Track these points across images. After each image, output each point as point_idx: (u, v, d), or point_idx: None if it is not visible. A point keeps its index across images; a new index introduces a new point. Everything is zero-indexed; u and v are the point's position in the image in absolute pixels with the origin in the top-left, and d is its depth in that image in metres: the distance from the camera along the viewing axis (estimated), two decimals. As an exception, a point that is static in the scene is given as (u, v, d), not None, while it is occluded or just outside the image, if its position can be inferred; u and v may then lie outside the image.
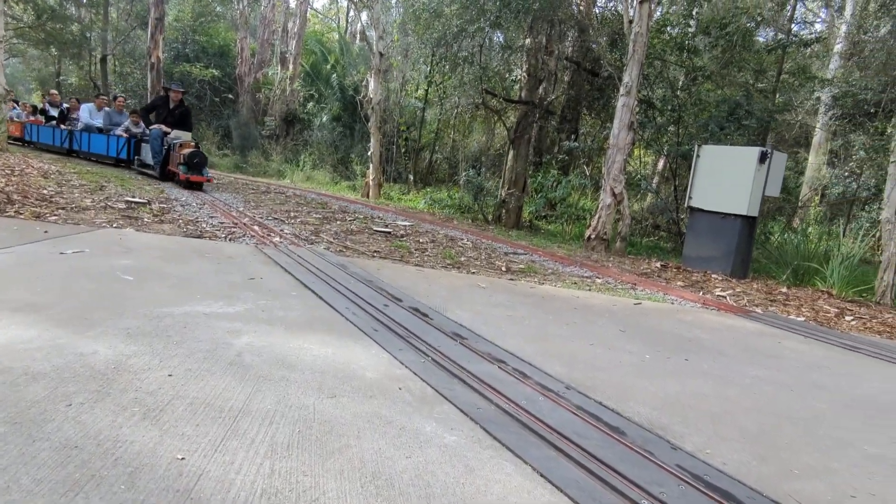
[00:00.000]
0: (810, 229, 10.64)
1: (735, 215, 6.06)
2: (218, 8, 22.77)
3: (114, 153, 10.40)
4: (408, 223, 7.51)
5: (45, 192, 5.75)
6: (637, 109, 7.27)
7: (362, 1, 11.45)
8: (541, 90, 9.75)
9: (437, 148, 15.02)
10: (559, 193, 8.29)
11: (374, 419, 1.78)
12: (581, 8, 9.45)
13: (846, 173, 10.05)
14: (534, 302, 3.74)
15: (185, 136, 9.04)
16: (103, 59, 21.47)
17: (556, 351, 2.74)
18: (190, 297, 2.74)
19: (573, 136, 10.09)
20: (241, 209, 6.81)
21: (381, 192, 11.62)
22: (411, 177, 13.95)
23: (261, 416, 1.68)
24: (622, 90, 6.86)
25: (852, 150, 9.91)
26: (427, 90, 13.28)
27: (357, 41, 21.59)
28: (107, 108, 11.23)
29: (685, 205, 6.65)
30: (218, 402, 1.73)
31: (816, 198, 11.05)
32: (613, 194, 7.01)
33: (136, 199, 6.14)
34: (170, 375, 1.86)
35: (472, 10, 9.08)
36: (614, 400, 2.23)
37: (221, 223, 5.41)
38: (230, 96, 18.96)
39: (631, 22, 7.28)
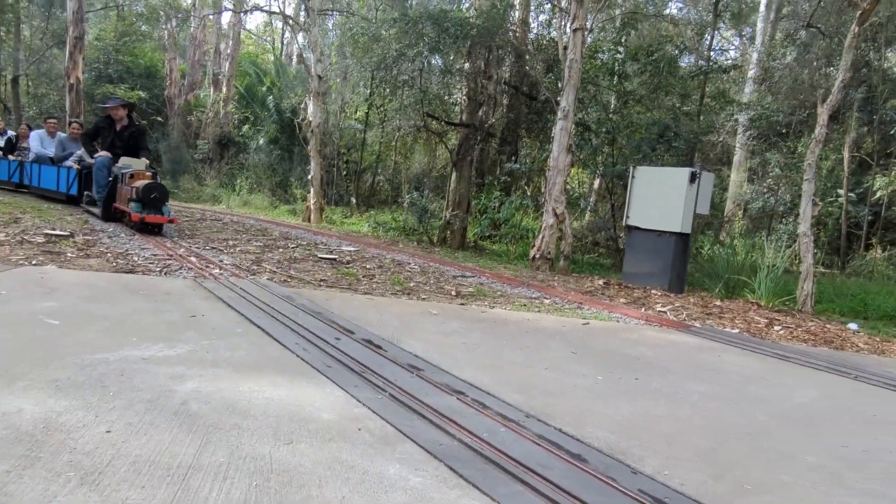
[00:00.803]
0: (736, 242, 11.31)
1: (670, 233, 6.35)
2: (143, 27, 21.96)
3: (64, 188, 8.62)
4: (353, 248, 7.40)
5: (-49, 226, 5.27)
6: (574, 131, 7.53)
7: (299, 24, 11.34)
8: (481, 113, 9.94)
9: (379, 170, 14.97)
10: (503, 214, 8.43)
11: (335, 465, 1.70)
12: (517, 34, 9.76)
13: (764, 189, 10.80)
14: (486, 327, 3.75)
15: (138, 164, 7.04)
16: (14, 80, 20.13)
17: (513, 378, 2.74)
18: (125, 340, 2.55)
19: (513, 158, 10.32)
20: (175, 239, 6.49)
21: (323, 216, 11.42)
22: (353, 199, 13.81)
23: (213, 470, 1.57)
24: (560, 114, 7.09)
25: (769, 168, 10.68)
26: (367, 112, 13.26)
27: (293, 63, 21.33)
28: (60, 135, 9.76)
29: (623, 223, 6.92)
30: (164, 458, 1.60)
31: (740, 212, 11.79)
32: (555, 214, 7.19)
33: (58, 232, 5.73)
34: (108, 432, 1.71)
35: (411, 34, 9.18)
36: (573, 426, 2.25)
37: (155, 255, 5.12)
38: (159, 119, 18.20)
39: (566, 48, 7.58)
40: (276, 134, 15.72)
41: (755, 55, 12.37)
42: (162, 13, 17.57)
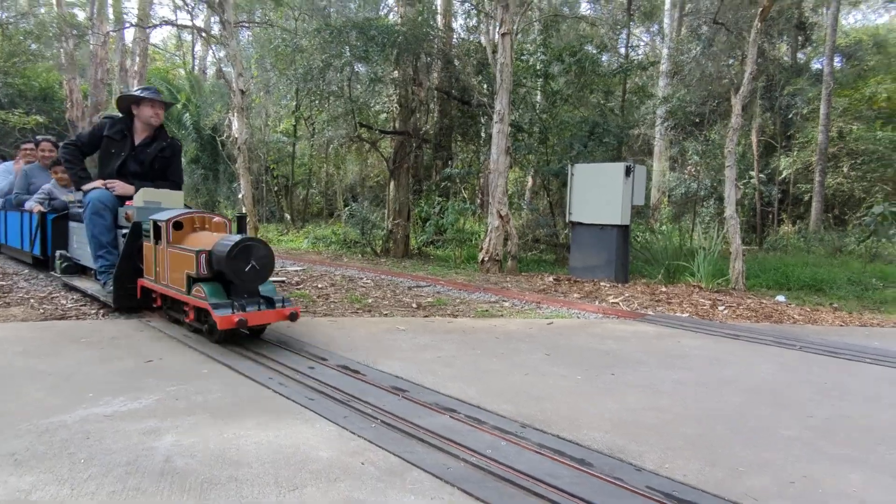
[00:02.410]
0: (664, 227, 11.93)
1: (611, 226, 6.59)
2: (33, 46, 20.31)
3: (27, 244, 5.83)
4: (299, 268, 7.15)
5: None
6: (509, 133, 7.66)
7: (214, 37, 10.85)
8: (413, 120, 9.91)
9: (312, 183, 14.60)
10: (447, 219, 8.45)
11: (348, 507, 1.61)
12: (444, 40, 9.81)
13: (686, 176, 11.48)
14: (457, 338, 3.72)
15: (171, 198, 4.22)
16: None
17: (498, 388, 2.73)
18: (80, 397, 2.32)
19: (449, 162, 10.37)
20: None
21: (259, 236, 10.98)
22: (288, 215, 13.38)
23: (220, 535, 1.45)
24: (496, 118, 7.19)
25: (687, 156, 11.37)
26: (295, 125, 12.89)
27: (208, 77, 20.39)
28: (24, 165, 6.48)
29: (566, 220, 7.11)
30: (162, 529, 1.46)
31: (665, 199, 12.45)
32: (500, 216, 7.28)
33: (-34, 279, 5.15)
34: (90, 507, 1.53)
35: (335, 44, 9.01)
36: (569, 430, 2.26)
37: (84, 296, 4.71)
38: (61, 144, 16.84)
39: (494, 52, 7.69)
40: (197, 153, 14.98)
41: (665, 50, 13.13)
42: (54, 30, 16.28)
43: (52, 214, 5.32)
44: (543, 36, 9.10)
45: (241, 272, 3.10)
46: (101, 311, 4.15)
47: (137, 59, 15.76)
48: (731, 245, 6.77)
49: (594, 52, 9.09)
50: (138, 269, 3.86)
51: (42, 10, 21.37)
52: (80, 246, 4.78)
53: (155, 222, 3.58)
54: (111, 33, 14.68)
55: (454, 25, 10.97)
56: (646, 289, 6.09)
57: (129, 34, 15.71)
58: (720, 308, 5.08)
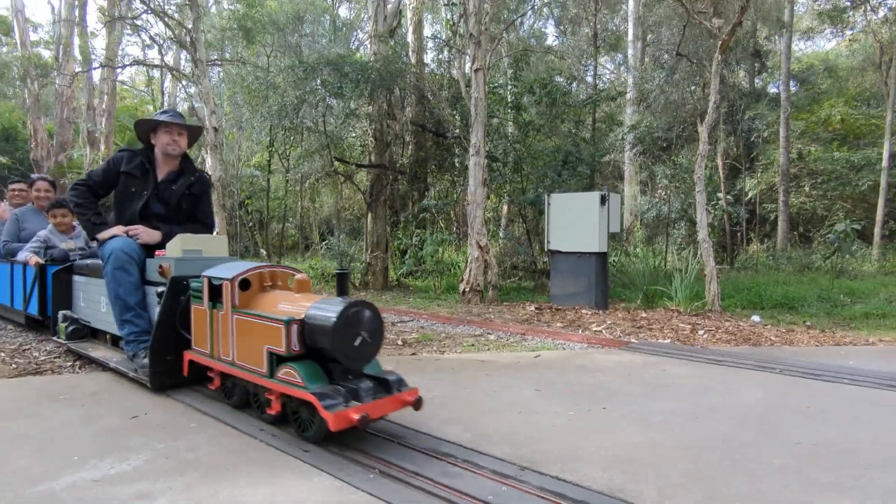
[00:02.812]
0: (638, 250, 12.17)
1: (589, 253, 6.70)
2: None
3: (19, 303, 5.08)
4: (278, 305, 7.05)
5: None
6: (485, 164, 7.79)
7: (185, 76, 10.83)
8: (389, 153, 10.00)
9: (288, 217, 14.51)
10: (427, 251, 8.47)
11: (355, 570, 1.58)
12: (417, 74, 9.99)
13: (656, 199, 11.80)
14: (446, 376, 3.71)
15: (213, 244, 3.55)
16: None
17: (492, 429, 2.72)
18: (65, 461, 2.24)
19: (426, 193, 10.46)
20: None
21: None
22: (263, 250, 13.24)
23: None
24: (472, 150, 7.31)
25: (657, 180, 11.70)
26: (270, 160, 12.87)
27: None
28: (14, 209, 5.71)
29: (545, 248, 7.21)
30: None
31: (637, 222, 12.73)
32: (479, 247, 7.34)
33: (-70, 333, 4.94)
34: (86, 587, 1.47)
35: (308, 81, 9.10)
36: (568, 471, 2.26)
37: (57, 347, 4.56)
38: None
39: (468, 86, 7.86)
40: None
41: (630, 79, 13.60)
42: (19, 71, 16.05)
43: (52, 266, 4.54)
44: (514, 69, 9.35)
45: (349, 348, 2.37)
46: (77, 363, 4.03)
47: (106, 97, 15.59)
48: (706, 267, 6.94)
49: (564, 83, 9.36)
50: (182, 338, 3.08)
51: (3, 50, 21.10)
52: (89, 304, 4.10)
53: (211, 280, 2.80)
54: (79, 73, 14.52)
55: (426, 59, 11.20)
56: (626, 315, 6.18)
57: (98, 72, 15.56)
58: (700, 332, 5.19)
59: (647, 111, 12.06)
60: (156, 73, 20.07)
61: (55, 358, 4.18)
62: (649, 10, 12.71)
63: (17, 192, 5.95)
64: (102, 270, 3.50)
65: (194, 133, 3.90)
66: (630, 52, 13.70)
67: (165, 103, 19.02)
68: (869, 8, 12.96)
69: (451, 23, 9.23)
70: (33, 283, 4.73)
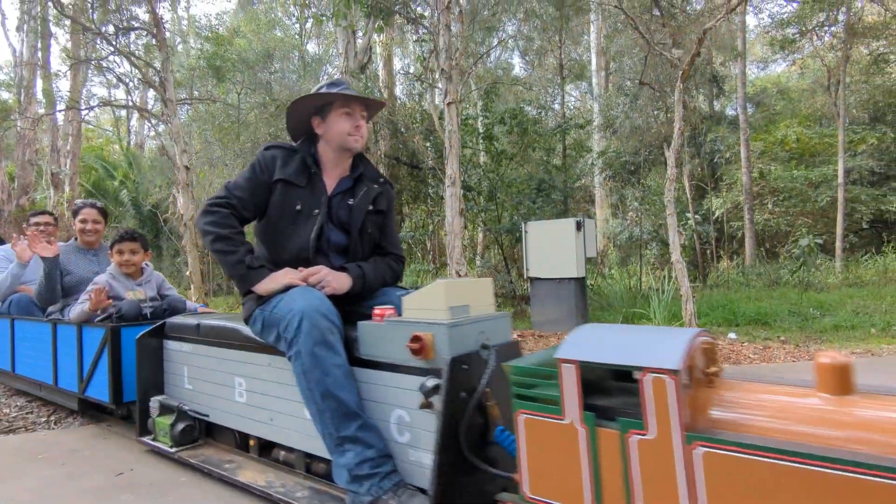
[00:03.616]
0: (613, 272, 12.38)
1: (568, 279, 6.80)
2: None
3: (72, 382, 3.50)
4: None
5: None
6: (461, 195, 7.88)
7: (154, 115, 10.74)
8: (364, 185, 10.02)
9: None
10: (406, 282, 8.45)
11: None
12: (389, 109, 10.12)
13: (628, 221, 12.09)
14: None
15: (481, 293, 2.05)
16: None
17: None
18: (50, 528, 2.13)
19: (402, 224, 10.49)
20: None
21: (209, 309, 10.59)
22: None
23: None
24: (448, 182, 7.39)
25: (627, 202, 12.01)
26: (242, 197, 12.75)
27: (144, 151, 20.00)
28: (38, 251, 3.78)
29: (525, 276, 7.28)
30: None
31: (610, 244, 12.99)
32: (459, 276, 7.36)
33: None
34: None
35: (281, 118, 9.12)
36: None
37: (28, 402, 4.37)
38: (-12, 230, 15.89)
39: (441, 118, 7.98)
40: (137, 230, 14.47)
41: (596, 106, 14.05)
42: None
43: (134, 328, 3.11)
44: (484, 101, 9.56)
45: None
46: (52, 417, 3.86)
47: (71, 138, 15.31)
48: (681, 287, 7.09)
49: (533, 112, 9.61)
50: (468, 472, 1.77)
51: (-38, 92, 20.59)
52: (198, 386, 2.77)
53: (600, 369, 1.44)
54: (44, 117, 14.26)
55: (397, 92, 11.35)
56: (609, 338, 6.25)
57: (62, 113, 15.29)
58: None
59: (613, 136, 12.43)
60: (122, 113, 19.84)
61: (27, 413, 4.00)
62: (610, 41, 13.23)
63: (42, 228, 4.46)
64: (282, 346, 2.09)
65: (373, 114, 2.62)
66: (594, 80, 14.18)
67: (132, 141, 18.77)
68: (816, 37, 13.74)
69: (421, 58, 9.42)
70: (99, 351, 3.17)
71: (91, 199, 15.51)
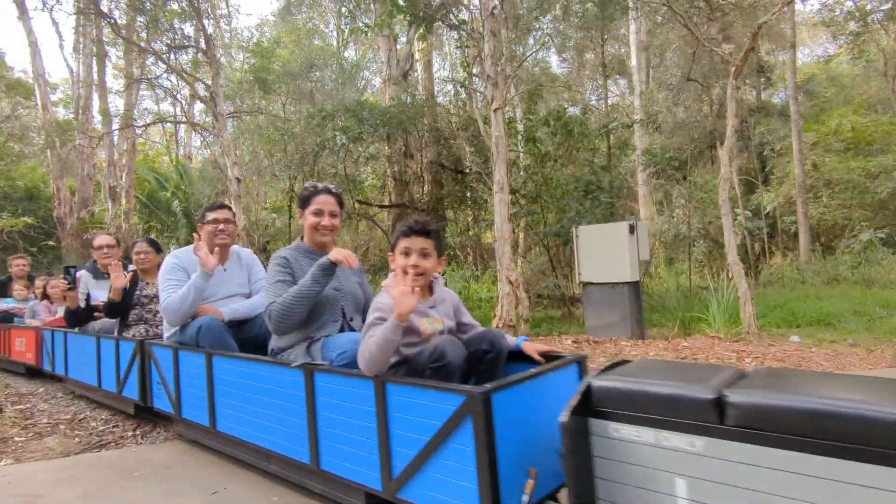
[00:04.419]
0: (659, 271, 12.14)
1: (622, 283, 6.72)
2: (16, 147, 20.54)
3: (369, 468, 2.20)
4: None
5: None
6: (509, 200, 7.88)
7: (207, 128, 11.11)
8: (408, 192, 10.15)
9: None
10: (456, 287, 8.51)
11: None
12: (434, 114, 10.20)
13: (674, 219, 11.84)
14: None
15: None
16: None
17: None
18: (163, 549, 2.25)
19: (446, 230, 10.56)
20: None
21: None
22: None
23: None
24: (496, 188, 7.41)
25: (673, 199, 11.76)
26: (290, 205, 13.07)
27: (193, 162, 20.67)
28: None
29: (577, 280, 7.23)
30: None
31: (657, 243, 12.75)
32: (510, 282, 7.37)
33: (-17, 407, 5.01)
34: None
35: (328, 128, 9.31)
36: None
37: (113, 416, 4.61)
38: (51, 243, 16.77)
39: (486, 123, 8.00)
40: (189, 239, 15.00)
41: (637, 102, 13.79)
42: (44, 137, 16.52)
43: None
44: (528, 103, 9.52)
45: None
46: (137, 431, 4.07)
47: (126, 153, 15.98)
48: (739, 289, 6.92)
49: (578, 113, 9.51)
50: None
51: (22, 111, 21.74)
52: None
53: None
54: (104, 135, 14.93)
55: (438, 97, 11.43)
56: (667, 344, 6.15)
57: (116, 126, 15.99)
58: (747, 360, 5.15)
59: (656, 132, 12.18)
60: (170, 126, 20.57)
61: (114, 427, 4.22)
62: (653, 37, 12.96)
63: (222, 226, 3.54)
64: None
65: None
66: (635, 76, 13.91)
67: (181, 152, 19.44)
68: (870, 19, 13.13)
69: (465, 63, 9.45)
70: (429, 428, 2.01)
71: (147, 210, 16.16)
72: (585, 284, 7.11)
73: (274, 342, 2.77)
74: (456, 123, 9.89)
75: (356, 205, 10.17)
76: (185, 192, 15.83)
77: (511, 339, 2.42)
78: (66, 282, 4.75)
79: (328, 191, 2.90)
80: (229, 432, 3.02)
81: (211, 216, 3.53)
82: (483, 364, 2.24)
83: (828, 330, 6.96)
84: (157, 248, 4.74)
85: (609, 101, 15.85)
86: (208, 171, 14.61)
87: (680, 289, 9.90)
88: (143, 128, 16.60)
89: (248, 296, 3.68)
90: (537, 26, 10.69)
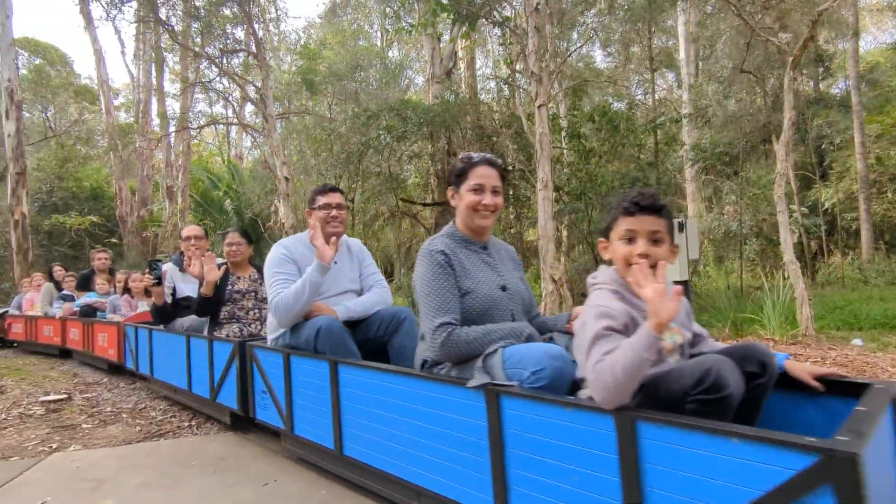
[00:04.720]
0: (709, 269, 11.77)
1: (672, 282, 6.55)
2: (82, 150, 21.72)
3: None
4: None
5: (-63, 411, 4.85)
6: (553, 197, 7.80)
7: (257, 128, 11.47)
8: (451, 190, 10.19)
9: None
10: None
11: None
12: (478, 111, 10.20)
13: (724, 215, 11.43)
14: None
15: None
16: (-45, 224, 19.33)
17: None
18: (218, 536, 2.36)
19: (489, 228, 10.56)
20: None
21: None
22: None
23: None
24: (539, 185, 7.35)
25: (723, 196, 11.36)
26: (335, 204, 13.37)
27: (243, 163, 21.40)
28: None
29: (622, 280, 7.10)
30: None
31: (706, 241, 12.35)
32: (553, 280, 7.30)
33: (54, 397, 5.36)
34: None
35: (373, 127, 9.46)
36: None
37: (170, 405, 4.85)
38: (113, 240, 17.69)
39: (529, 120, 7.94)
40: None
41: (685, 95, 13.37)
42: (107, 140, 17.45)
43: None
44: (571, 99, 9.39)
45: None
46: (193, 421, 4.26)
47: (182, 154, 16.71)
48: (795, 290, 6.63)
49: (624, 108, 9.32)
50: None
51: (88, 116, 23.00)
52: None
53: None
54: (161, 137, 15.66)
55: (483, 97, 11.41)
56: (717, 346, 5.96)
57: (173, 128, 16.73)
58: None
59: (705, 126, 11.78)
60: (222, 127, 21.34)
61: (171, 418, 4.44)
62: (704, 28, 12.52)
63: (334, 212, 3.13)
64: None
65: None
66: (683, 70, 13.49)
67: (233, 152, 20.14)
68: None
69: (508, 60, 9.40)
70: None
71: (201, 208, 16.86)
72: (631, 284, 6.98)
73: (428, 352, 2.20)
74: (499, 121, 9.86)
75: (399, 203, 10.29)
76: (236, 192, 16.41)
77: (713, 342, 1.93)
78: (151, 277, 4.42)
79: (489, 162, 2.32)
80: (361, 458, 2.52)
81: (322, 200, 3.14)
82: (749, 392, 1.64)
83: (893, 334, 6.58)
84: (249, 240, 4.38)
85: (656, 96, 15.43)
86: (258, 170, 15.07)
87: (731, 288, 9.57)
88: (198, 130, 17.28)
89: (360, 293, 3.25)
90: (581, 21, 10.52)
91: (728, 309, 6.88)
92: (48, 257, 17.42)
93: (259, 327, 4.14)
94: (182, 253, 4.83)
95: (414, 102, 9.73)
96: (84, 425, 4.33)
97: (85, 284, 7.88)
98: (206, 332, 4.17)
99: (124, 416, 4.58)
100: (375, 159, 9.91)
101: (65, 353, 7.92)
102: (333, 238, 3.03)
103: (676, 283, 5.59)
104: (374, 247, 15.34)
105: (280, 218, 10.82)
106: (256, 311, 4.21)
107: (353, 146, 9.75)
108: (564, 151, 9.85)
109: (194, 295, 4.46)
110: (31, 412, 4.83)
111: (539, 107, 7.33)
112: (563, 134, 9.69)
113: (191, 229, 4.90)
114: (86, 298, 7.42)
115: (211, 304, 4.05)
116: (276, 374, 3.13)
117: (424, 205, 10.56)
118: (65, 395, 5.40)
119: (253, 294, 4.22)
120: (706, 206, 13.08)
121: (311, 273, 2.84)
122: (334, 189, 3.22)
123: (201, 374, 4.07)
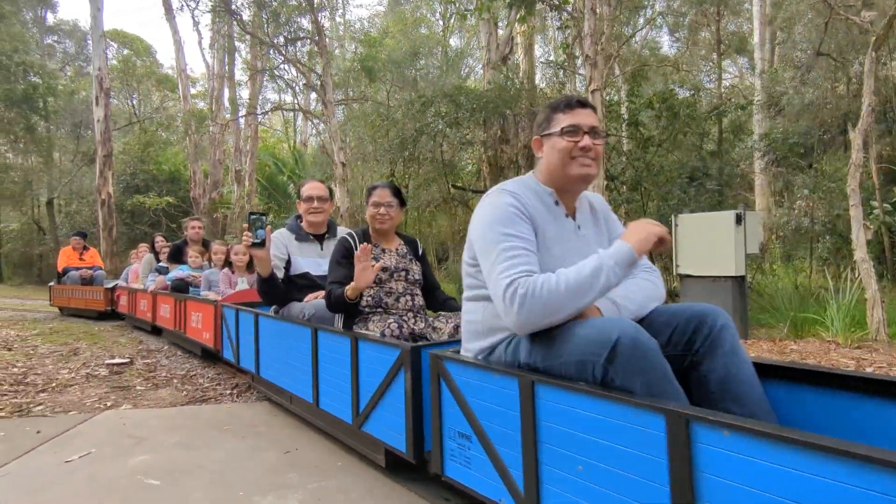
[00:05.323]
0: (776, 268, 11.07)
1: (724, 277, 6.23)
2: (163, 135, 23.13)
3: None
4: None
5: (15, 370, 5.36)
6: (605, 186, 7.59)
7: (317, 115, 11.81)
8: (503, 177, 10.11)
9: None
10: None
11: None
12: (532, 97, 10.04)
13: (795, 210, 10.69)
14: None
15: None
16: (49, 202, 21.12)
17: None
18: (232, 496, 2.49)
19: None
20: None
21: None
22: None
23: None
24: (590, 173, 7.15)
25: (795, 190, 10.61)
26: (389, 190, 13.59)
27: (307, 149, 22.12)
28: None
29: (674, 272, 6.82)
30: None
31: (773, 237, 11.61)
32: (600, 272, 7.13)
33: (118, 361, 5.80)
34: None
35: (427, 113, 9.51)
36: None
37: (218, 374, 5.13)
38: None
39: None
40: (302, 220, 16.10)
41: (758, 83, 12.55)
42: (184, 125, 18.51)
43: None
44: (631, 85, 9.05)
45: None
46: (234, 390, 4.50)
47: (249, 139, 17.48)
48: (868, 291, 6.14)
49: (687, 94, 8.88)
50: None
51: (169, 103, 24.46)
52: None
53: None
54: (230, 121, 16.46)
55: (538, 81, 11.20)
56: (772, 345, 5.63)
57: (243, 118, 17.53)
58: (868, 370, 4.58)
59: (778, 115, 11.01)
60: (289, 114, 22.11)
61: (216, 385, 4.71)
62: (779, 9, 11.66)
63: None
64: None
65: None
66: (756, 54, 12.64)
67: (298, 139, 20.86)
68: None
69: (565, 45, 9.18)
70: None
71: (266, 192, 17.61)
72: (683, 277, 6.68)
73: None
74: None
75: (452, 190, 10.33)
76: (299, 176, 17.01)
77: None
78: (251, 235, 3.09)
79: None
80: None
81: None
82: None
83: (981, 343, 5.97)
84: (403, 202, 3.17)
85: (725, 83, 14.58)
86: (319, 155, 15.53)
87: (799, 288, 8.97)
88: (263, 115, 18.00)
89: None
90: (646, 4, 10.08)
91: (788, 308, 6.46)
92: (130, 235, 18.78)
93: (414, 321, 2.94)
94: (300, 217, 3.77)
95: (468, 89, 9.69)
96: (138, 387, 4.66)
97: (177, 256, 7.09)
98: (338, 324, 3.05)
99: (175, 381, 4.89)
100: (429, 146, 9.97)
101: (156, 331, 7.34)
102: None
103: (731, 278, 5.21)
104: (427, 233, 15.50)
105: (336, 201, 11.11)
106: (409, 297, 3.02)
107: (408, 132, 9.84)
108: (622, 139, 9.54)
109: (313, 272, 3.56)
110: (96, 373, 5.25)
111: (593, 91, 7.12)
112: (622, 121, 9.38)
113: (313, 187, 3.70)
114: (178, 272, 6.61)
115: (349, 307, 2.89)
116: (496, 414, 1.82)
117: (475, 192, 10.54)
118: (128, 360, 5.83)
119: (403, 274, 3.04)
120: (775, 201, 12.27)
121: (610, 261, 1.62)
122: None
123: (337, 387, 2.88)
